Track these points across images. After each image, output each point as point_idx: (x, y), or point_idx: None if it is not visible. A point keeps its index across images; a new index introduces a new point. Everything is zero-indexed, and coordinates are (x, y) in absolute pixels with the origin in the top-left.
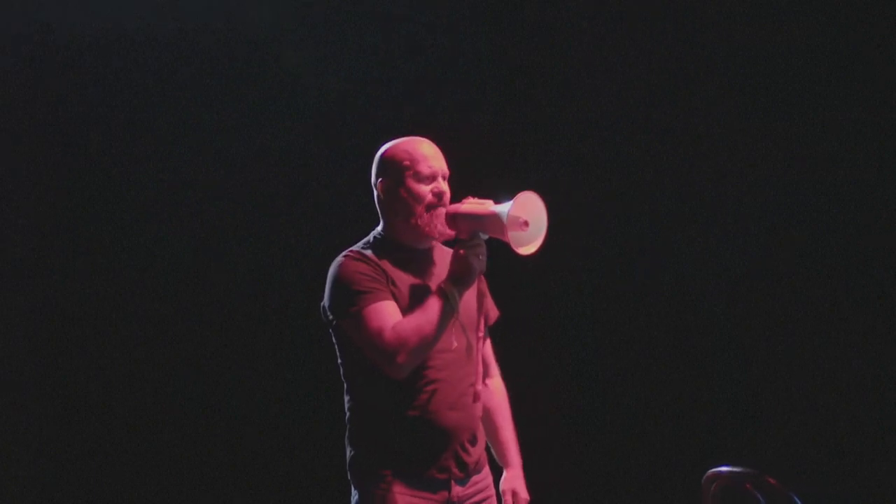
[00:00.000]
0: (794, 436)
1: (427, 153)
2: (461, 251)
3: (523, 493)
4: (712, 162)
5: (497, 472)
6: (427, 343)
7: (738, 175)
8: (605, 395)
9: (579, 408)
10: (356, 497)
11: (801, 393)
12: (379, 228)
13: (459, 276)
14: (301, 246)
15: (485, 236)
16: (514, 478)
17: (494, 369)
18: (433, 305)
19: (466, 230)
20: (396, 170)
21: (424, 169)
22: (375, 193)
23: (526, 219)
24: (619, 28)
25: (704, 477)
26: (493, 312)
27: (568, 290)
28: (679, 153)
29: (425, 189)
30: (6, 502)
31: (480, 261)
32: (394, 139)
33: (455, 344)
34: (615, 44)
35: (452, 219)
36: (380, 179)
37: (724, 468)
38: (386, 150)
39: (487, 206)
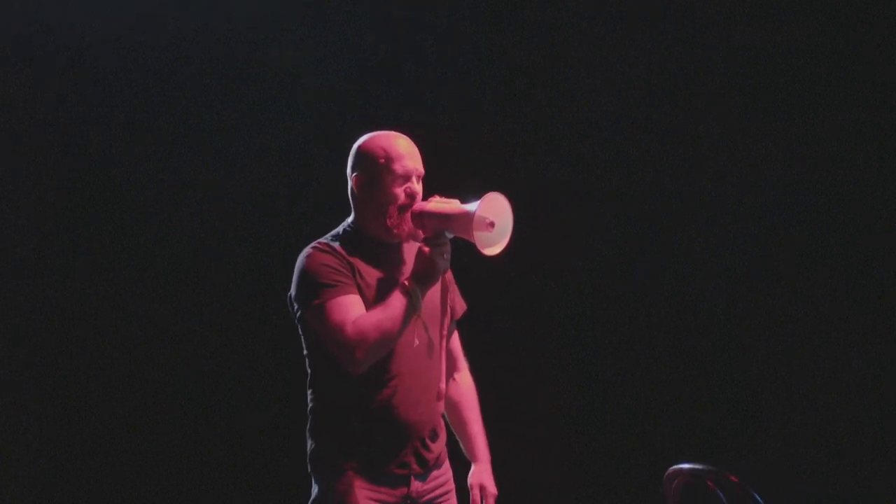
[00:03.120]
0: (794, 436)
1: (403, 151)
2: (426, 249)
3: (491, 488)
4: (712, 162)
5: (459, 468)
6: (387, 340)
7: (738, 175)
8: (605, 395)
9: (579, 408)
10: (316, 490)
11: (801, 393)
12: (350, 220)
13: (423, 275)
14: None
15: (450, 235)
16: (482, 472)
17: (462, 363)
18: (395, 302)
19: (432, 229)
20: (372, 166)
21: (399, 168)
22: (349, 185)
23: (492, 219)
24: (619, 28)
25: (665, 474)
26: (460, 307)
27: (568, 290)
28: (679, 153)
29: (398, 189)
30: (6, 502)
31: (445, 260)
32: (373, 132)
33: (417, 342)
34: (615, 44)
35: (419, 217)
36: (355, 174)
37: (685, 465)
38: (363, 144)
39: (454, 205)
